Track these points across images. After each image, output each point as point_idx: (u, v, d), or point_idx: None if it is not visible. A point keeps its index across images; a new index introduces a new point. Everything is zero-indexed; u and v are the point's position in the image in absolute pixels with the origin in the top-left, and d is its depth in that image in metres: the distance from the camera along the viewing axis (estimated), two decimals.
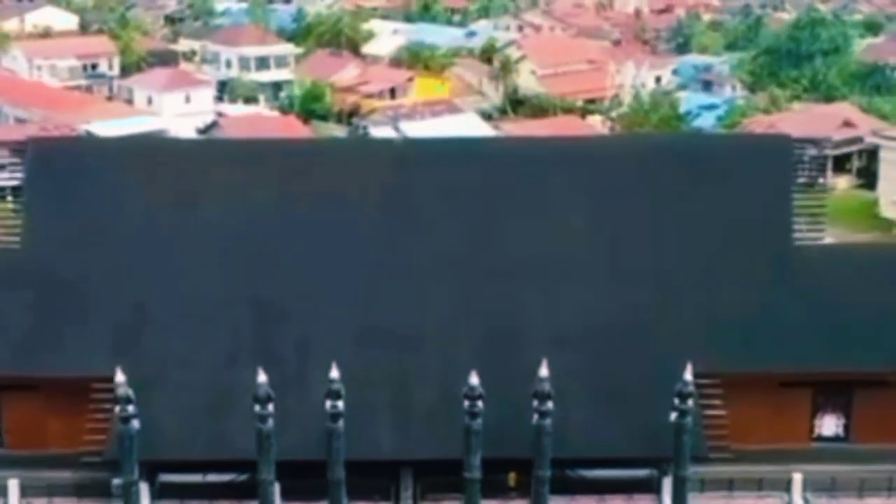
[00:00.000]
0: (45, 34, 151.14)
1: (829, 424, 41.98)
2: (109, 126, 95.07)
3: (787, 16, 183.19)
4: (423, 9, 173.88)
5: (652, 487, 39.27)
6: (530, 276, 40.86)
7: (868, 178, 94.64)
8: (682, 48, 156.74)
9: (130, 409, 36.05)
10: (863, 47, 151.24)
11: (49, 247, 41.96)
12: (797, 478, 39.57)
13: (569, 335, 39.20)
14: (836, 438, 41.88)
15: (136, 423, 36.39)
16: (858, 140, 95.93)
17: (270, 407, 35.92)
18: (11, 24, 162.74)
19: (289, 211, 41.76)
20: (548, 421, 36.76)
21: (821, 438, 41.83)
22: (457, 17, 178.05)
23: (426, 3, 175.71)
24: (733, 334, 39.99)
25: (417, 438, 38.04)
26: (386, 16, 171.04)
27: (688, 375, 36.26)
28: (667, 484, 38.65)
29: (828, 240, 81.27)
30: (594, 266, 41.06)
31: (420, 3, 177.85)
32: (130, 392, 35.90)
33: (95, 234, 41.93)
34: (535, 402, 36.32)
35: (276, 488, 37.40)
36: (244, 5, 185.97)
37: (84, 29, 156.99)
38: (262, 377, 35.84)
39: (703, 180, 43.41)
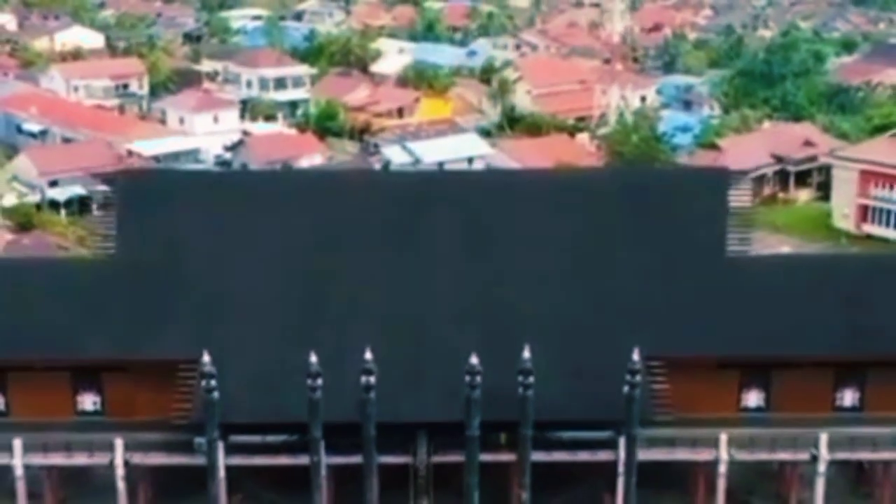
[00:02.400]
0: (76, 54, 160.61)
1: (753, 398, 53.09)
2: (150, 145, 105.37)
3: (770, 33, 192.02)
4: (427, 28, 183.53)
5: (611, 445, 50.04)
6: (518, 283, 51.79)
7: (826, 191, 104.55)
8: (669, 66, 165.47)
9: (213, 383, 47.07)
10: (836, 65, 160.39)
11: (139, 256, 52.82)
12: (723, 437, 50.58)
13: (547, 327, 49.91)
14: (757, 409, 53.01)
15: (216, 394, 47.40)
16: (816, 158, 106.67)
17: (319, 381, 46.80)
18: (42, 43, 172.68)
19: (330, 229, 52.69)
20: (530, 392, 47.60)
21: (746, 409, 52.96)
22: (458, 35, 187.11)
23: (430, 23, 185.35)
24: (675, 327, 50.85)
25: (430, 406, 48.66)
26: (392, 34, 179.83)
27: (636, 357, 47.26)
28: (622, 442, 49.51)
29: (785, 248, 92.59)
30: (567, 275, 51.99)
31: (424, 22, 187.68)
32: (213, 369, 46.89)
33: (176, 246, 52.85)
34: (520, 378, 47.18)
35: (322, 444, 48.45)
36: (259, 23, 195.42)
37: (112, 49, 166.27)
38: (313, 358, 46.75)
39: (655, 206, 54.43)
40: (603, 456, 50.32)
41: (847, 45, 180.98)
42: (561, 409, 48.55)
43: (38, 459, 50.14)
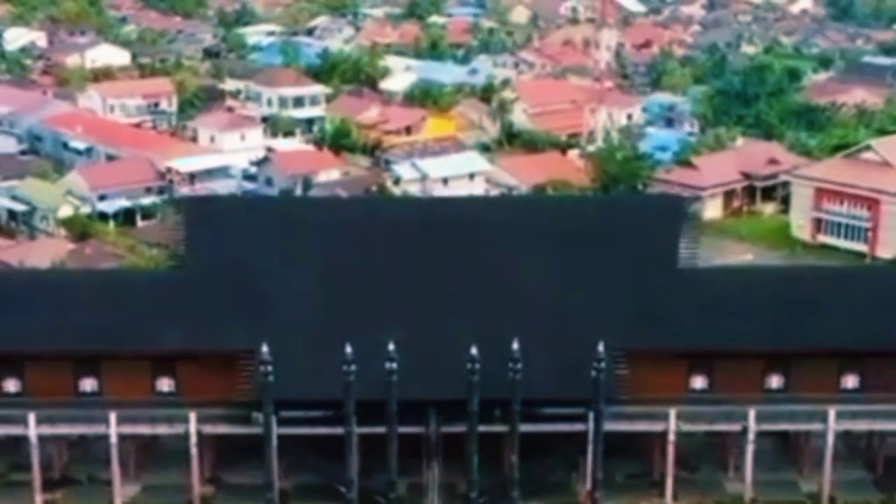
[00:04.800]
0: (107, 71, 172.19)
1: (698, 381, 64.28)
2: (187, 163, 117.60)
3: (753, 49, 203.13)
4: (431, 46, 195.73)
5: (583, 418, 60.79)
6: (508, 290, 63.36)
7: (789, 204, 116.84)
8: (657, 83, 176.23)
9: (269, 368, 59.09)
10: (812, 82, 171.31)
11: (204, 268, 64.54)
12: (672, 412, 62.16)
13: (532, 325, 60.83)
14: (701, 391, 64.25)
15: (271, 377, 59.49)
16: (777, 175, 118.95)
17: (353, 367, 57.99)
18: (73, 60, 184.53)
19: (360, 246, 64.55)
20: (518, 376, 58.24)
21: (692, 391, 64.25)
22: (460, 51, 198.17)
23: (434, 41, 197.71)
24: (635, 325, 61.97)
25: (439, 387, 59.63)
26: (399, 51, 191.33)
27: (601, 348, 59.23)
28: (591, 416, 60.46)
29: (749, 255, 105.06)
30: (547, 284, 63.58)
31: (429, 40, 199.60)
32: (270, 358, 59.08)
33: (234, 259, 64.49)
34: (511, 364, 58.05)
35: (354, 418, 59.62)
36: (273, 39, 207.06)
37: (140, 67, 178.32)
38: (347, 349, 58.72)
39: (620, 226, 66.30)
40: (577, 427, 60.74)
41: (823, 62, 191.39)
42: (543, 389, 59.45)
43: (128, 429, 61.93)
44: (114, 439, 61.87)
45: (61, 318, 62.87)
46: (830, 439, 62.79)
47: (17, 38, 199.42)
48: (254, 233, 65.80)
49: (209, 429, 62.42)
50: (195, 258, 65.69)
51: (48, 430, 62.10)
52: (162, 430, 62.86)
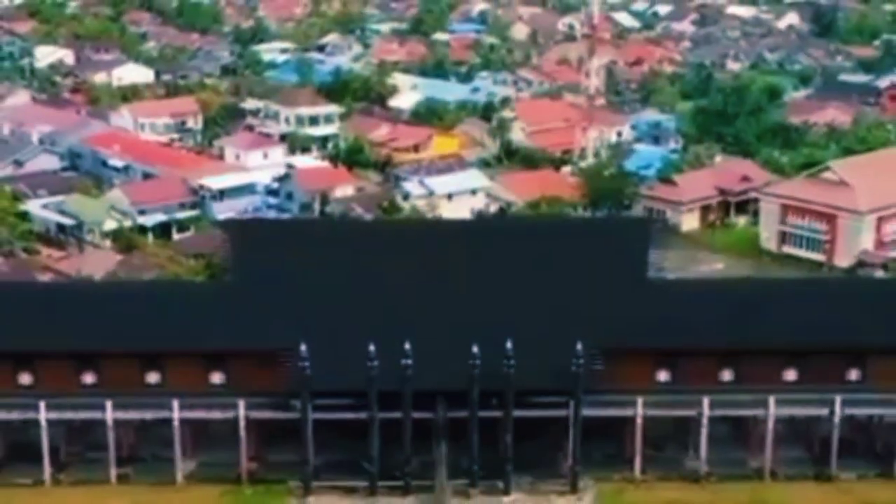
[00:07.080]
0: (134, 90, 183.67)
1: (662, 375, 75.56)
2: (217, 181, 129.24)
3: (739, 65, 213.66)
4: (436, 64, 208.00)
5: (565, 406, 71.88)
6: (505, 300, 74.57)
7: (759, 218, 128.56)
8: (647, 100, 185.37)
9: (306, 363, 70.99)
10: (792, 99, 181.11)
11: (248, 280, 76.37)
12: (639, 400, 73.73)
13: (523, 328, 71.63)
14: (665, 383, 75.53)
15: (308, 371, 71.53)
16: (748, 192, 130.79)
17: (375, 363, 69.61)
18: (101, 77, 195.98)
19: (382, 263, 76.03)
20: (512, 370, 69.53)
21: (657, 382, 75.52)
22: (463, 68, 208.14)
23: (439, 60, 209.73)
24: (609, 327, 72.88)
25: (446, 379, 70.50)
26: (406, 69, 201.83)
27: (579, 347, 70.78)
28: (572, 404, 71.72)
29: (720, 265, 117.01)
30: (535, 293, 75.19)
31: (435, 58, 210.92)
32: (307, 355, 71.09)
33: (275, 271, 76.16)
34: (505, 361, 69.30)
35: (376, 405, 70.88)
36: (287, 56, 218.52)
37: (165, 86, 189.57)
38: (371, 348, 70.69)
39: (597, 244, 78.35)
40: (560, 413, 71.51)
41: (804, 79, 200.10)
42: (532, 381, 70.07)
43: (188, 414, 74.17)
44: (176, 423, 73.93)
45: (130, 322, 74.83)
46: (771, 423, 74.34)
47: (47, 55, 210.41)
48: (291, 249, 77.81)
49: (255, 414, 73.83)
50: (242, 270, 77.79)
51: (122, 415, 73.99)
52: (216, 415, 74.72)
